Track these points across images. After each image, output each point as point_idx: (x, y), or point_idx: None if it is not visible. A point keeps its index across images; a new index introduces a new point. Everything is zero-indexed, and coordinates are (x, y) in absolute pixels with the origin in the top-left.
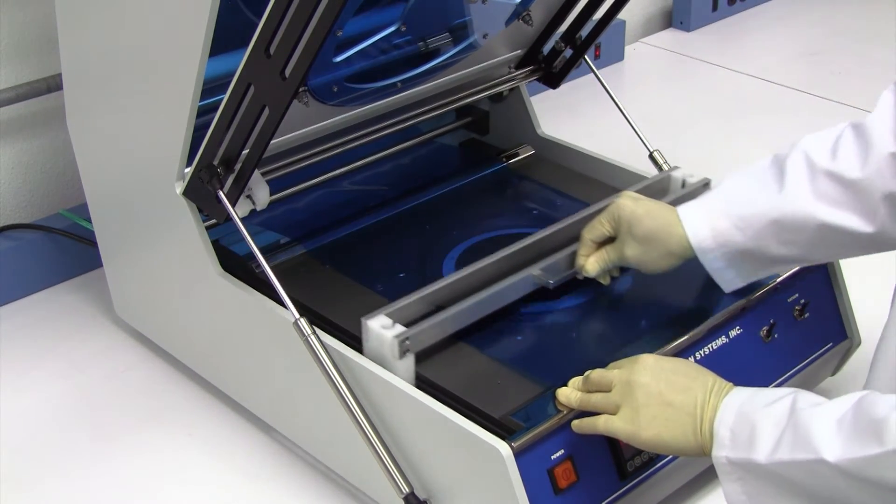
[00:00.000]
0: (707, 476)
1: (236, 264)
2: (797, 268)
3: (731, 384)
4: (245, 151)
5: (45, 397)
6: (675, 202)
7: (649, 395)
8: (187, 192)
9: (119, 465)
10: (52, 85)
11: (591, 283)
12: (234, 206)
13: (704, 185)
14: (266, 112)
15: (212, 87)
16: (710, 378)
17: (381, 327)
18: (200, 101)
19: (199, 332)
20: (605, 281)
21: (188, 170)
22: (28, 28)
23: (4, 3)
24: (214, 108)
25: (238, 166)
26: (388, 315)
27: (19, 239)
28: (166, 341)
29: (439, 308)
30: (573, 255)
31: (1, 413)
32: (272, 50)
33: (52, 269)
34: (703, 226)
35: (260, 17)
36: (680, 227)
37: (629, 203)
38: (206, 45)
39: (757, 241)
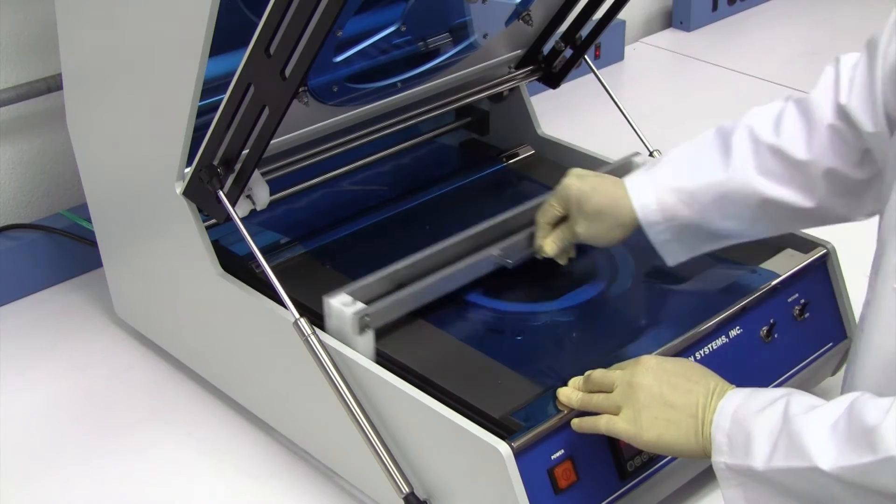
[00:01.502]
0: (707, 476)
1: (236, 264)
2: (797, 267)
3: (732, 386)
4: (245, 151)
5: (46, 397)
6: (622, 174)
7: (651, 396)
8: (187, 192)
9: (119, 464)
10: (52, 85)
11: (568, 276)
12: (234, 206)
13: None
14: (266, 112)
15: (212, 87)
16: (712, 380)
17: (342, 304)
18: (200, 101)
19: (199, 332)
20: (563, 261)
21: (188, 170)
22: (28, 28)
23: (4, 3)
24: (214, 108)
25: (238, 166)
26: (350, 293)
27: (19, 239)
28: (166, 341)
29: (401, 287)
30: (531, 236)
31: (1, 412)
32: (272, 50)
33: (52, 269)
34: (650, 200)
35: (260, 17)
36: (628, 200)
37: (575, 182)
38: (206, 45)
39: (702, 215)
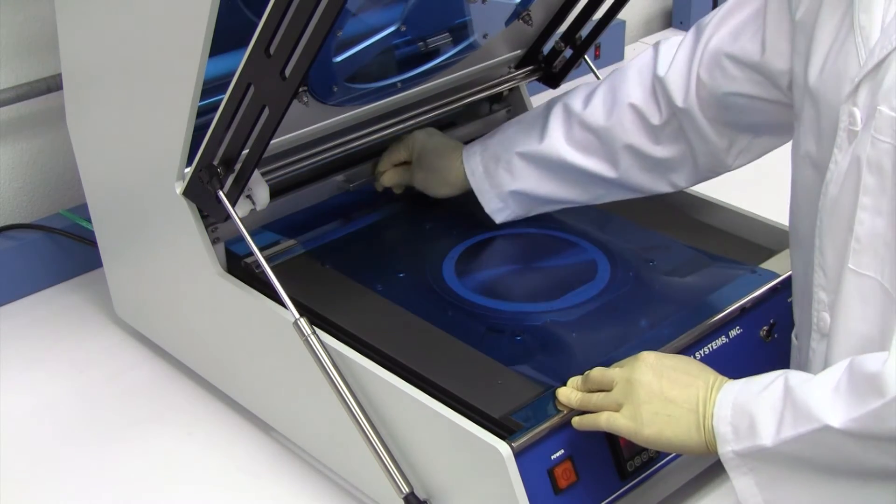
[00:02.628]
0: (707, 476)
1: (236, 264)
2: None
3: (729, 380)
4: (245, 151)
5: (45, 397)
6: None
7: (651, 392)
8: (187, 192)
9: (119, 464)
10: (52, 85)
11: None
12: (233, 206)
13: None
14: (266, 112)
15: (212, 87)
16: (711, 375)
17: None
18: (200, 101)
19: (199, 332)
20: (399, 191)
21: (188, 170)
22: (28, 28)
23: (4, 3)
24: (214, 108)
25: (238, 166)
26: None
27: (19, 239)
28: (166, 341)
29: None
30: (372, 168)
31: (1, 412)
32: (272, 50)
33: (52, 269)
34: (478, 168)
35: (260, 18)
36: (461, 165)
37: (422, 137)
38: (206, 45)
39: (524, 182)
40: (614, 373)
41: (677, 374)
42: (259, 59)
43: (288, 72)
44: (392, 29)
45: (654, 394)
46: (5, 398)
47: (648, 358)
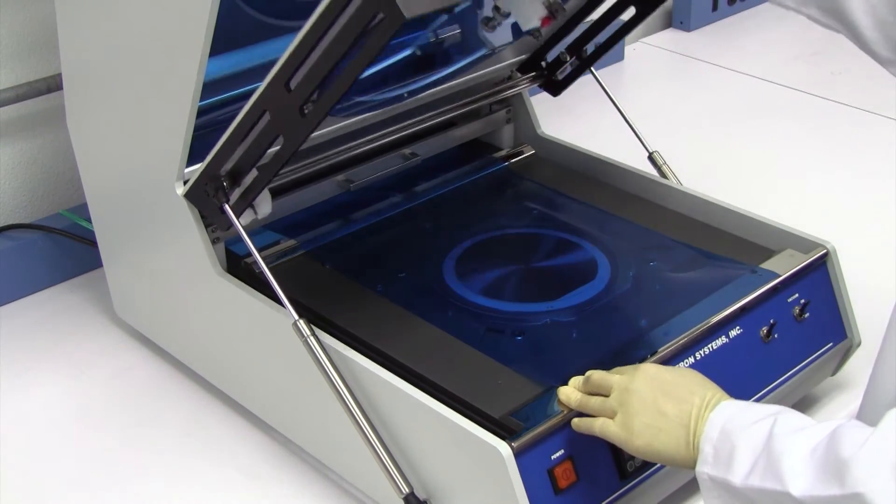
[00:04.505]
0: None
1: (236, 264)
2: (797, 267)
3: (728, 397)
4: (255, 174)
5: (45, 397)
6: None
7: (644, 403)
8: (189, 196)
9: (118, 464)
10: (52, 85)
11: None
12: (238, 218)
13: None
14: (280, 140)
15: (212, 87)
16: (709, 391)
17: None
18: (200, 101)
19: (199, 333)
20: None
21: (188, 170)
22: (28, 28)
23: (4, 3)
24: (215, 108)
25: (247, 183)
26: None
27: (19, 239)
28: (166, 341)
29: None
30: (376, 166)
31: (1, 413)
32: (293, 85)
33: (52, 269)
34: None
35: (261, 17)
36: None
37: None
38: (206, 45)
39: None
40: (614, 379)
41: (675, 388)
42: (278, 90)
43: (307, 110)
44: (406, 53)
45: (648, 405)
46: (5, 398)
47: (649, 370)
